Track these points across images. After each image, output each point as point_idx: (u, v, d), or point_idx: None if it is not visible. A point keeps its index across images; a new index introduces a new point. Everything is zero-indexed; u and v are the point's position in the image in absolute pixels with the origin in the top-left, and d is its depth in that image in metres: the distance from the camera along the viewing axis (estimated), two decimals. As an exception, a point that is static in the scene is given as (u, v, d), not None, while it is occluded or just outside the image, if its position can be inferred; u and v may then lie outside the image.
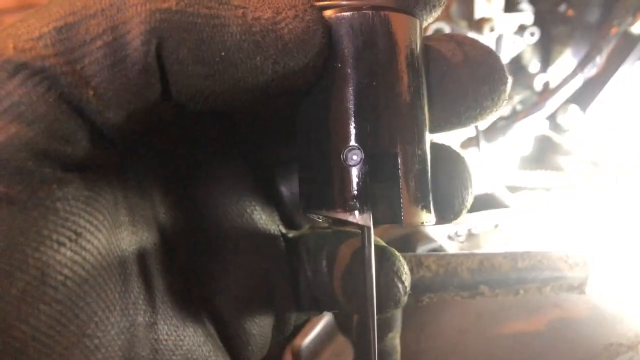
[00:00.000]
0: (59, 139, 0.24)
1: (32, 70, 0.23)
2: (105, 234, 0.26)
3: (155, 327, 0.29)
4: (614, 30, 0.97)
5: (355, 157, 0.27)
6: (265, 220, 0.37)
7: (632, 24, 0.96)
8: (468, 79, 0.30)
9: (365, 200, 0.27)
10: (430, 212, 0.29)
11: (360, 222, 0.27)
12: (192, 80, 0.25)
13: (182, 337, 0.30)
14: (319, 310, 0.40)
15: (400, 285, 0.33)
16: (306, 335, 0.63)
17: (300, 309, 0.38)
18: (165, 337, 0.29)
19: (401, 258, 0.34)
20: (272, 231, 0.37)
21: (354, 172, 0.27)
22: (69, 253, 0.24)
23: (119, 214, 0.28)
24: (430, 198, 0.29)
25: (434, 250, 0.77)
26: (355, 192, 0.27)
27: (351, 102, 0.27)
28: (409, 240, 0.75)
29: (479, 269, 0.49)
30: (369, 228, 0.28)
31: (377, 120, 0.27)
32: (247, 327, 0.35)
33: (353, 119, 0.27)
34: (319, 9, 0.27)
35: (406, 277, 0.34)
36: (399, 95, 0.28)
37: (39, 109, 0.23)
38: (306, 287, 0.37)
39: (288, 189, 0.38)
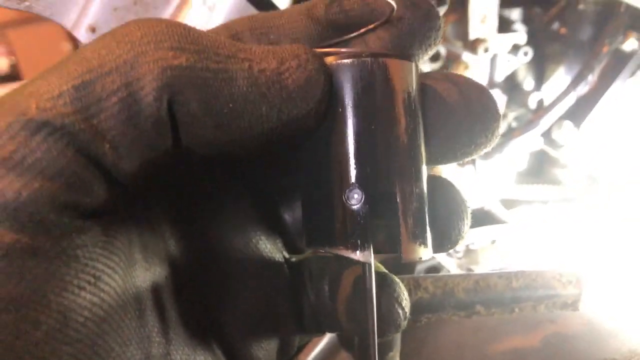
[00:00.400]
0: (78, 191, 0.25)
1: (53, 127, 0.24)
2: (122, 274, 0.28)
3: (169, 357, 0.30)
4: (605, 49, 0.99)
5: (356, 197, 0.29)
6: (269, 248, 0.38)
7: (623, 42, 0.98)
8: (463, 117, 0.32)
9: (366, 238, 0.29)
10: (427, 247, 0.31)
11: (361, 259, 0.29)
12: (201, 131, 0.27)
13: None
14: (322, 332, 0.41)
15: (400, 311, 0.35)
16: (310, 352, 0.64)
17: (304, 331, 0.40)
18: None
19: (401, 285, 0.36)
20: (276, 258, 0.38)
21: (355, 211, 0.29)
22: (88, 296, 0.26)
23: (133, 253, 0.30)
24: (428, 234, 0.31)
25: (433, 266, 0.79)
26: (356, 231, 0.29)
27: (352, 145, 0.29)
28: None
29: (474, 289, 0.51)
30: (369, 264, 0.30)
31: (376, 162, 0.29)
32: (253, 352, 0.36)
33: (354, 160, 0.29)
34: (320, 55, 0.29)
35: (406, 303, 0.35)
36: (397, 137, 0.29)
37: (60, 163, 0.24)
38: (309, 311, 0.38)
39: (290, 216, 0.40)
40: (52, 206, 0.24)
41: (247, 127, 0.27)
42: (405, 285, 0.37)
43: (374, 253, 0.29)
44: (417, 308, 0.49)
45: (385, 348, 0.54)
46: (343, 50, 0.30)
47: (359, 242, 0.29)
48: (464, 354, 0.69)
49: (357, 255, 0.29)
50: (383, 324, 0.34)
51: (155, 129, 0.26)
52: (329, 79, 0.29)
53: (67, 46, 2.11)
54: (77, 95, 0.24)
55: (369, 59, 0.29)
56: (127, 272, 0.28)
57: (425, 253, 0.30)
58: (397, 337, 0.56)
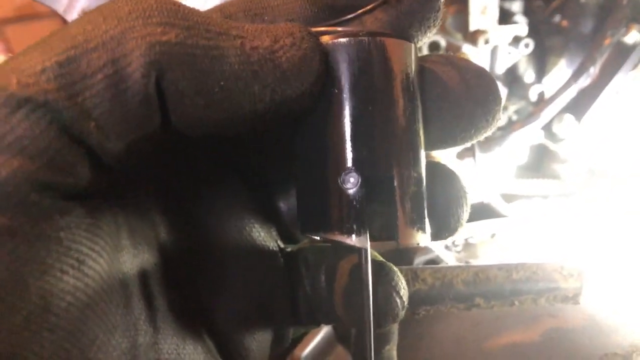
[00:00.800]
0: (61, 171, 0.24)
1: (35, 104, 0.23)
2: (107, 258, 0.27)
3: (156, 346, 0.29)
4: (607, 41, 0.98)
5: (352, 180, 0.28)
6: (263, 236, 0.37)
7: (625, 34, 0.97)
8: (463, 100, 0.31)
9: (362, 222, 0.28)
10: (425, 233, 0.30)
11: (357, 245, 0.28)
12: (191, 110, 0.25)
13: (182, 356, 0.31)
14: (317, 324, 0.41)
15: (398, 300, 0.34)
16: (306, 346, 0.63)
17: (299, 323, 0.39)
18: (166, 356, 0.30)
19: (399, 273, 0.35)
20: (270, 247, 0.38)
21: (351, 195, 0.28)
22: (71, 280, 0.24)
23: (121, 238, 0.29)
24: (426, 219, 0.30)
25: (432, 260, 0.78)
26: (352, 215, 0.28)
27: (348, 127, 0.28)
28: (407, 250, 0.75)
29: (474, 281, 0.50)
30: (366, 250, 0.29)
31: (373, 145, 0.28)
32: (245, 342, 0.35)
33: (350, 143, 0.28)
34: (316, 35, 0.28)
35: (404, 292, 0.35)
36: (395, 119, 0.28)
37: (42, 142, 0.23)
38: (304, 301, 0.38)
39: (286, 205, 0.39)
40: (33, 186, 0.23)
41: (239, 106, 0.26)
42: (403, 277, 0.36)
43: (370, 241, 0.28)
44: (415, 300, 0.48)
45: (382, 341, 0.54)
46: (339, 29, 0.29)
47: (354, 226, 0.28)
48: (463, 348, 0.69)
49: (353, 241, 0.28)
50: (380, 314, 0.33)
51: (143, 107, 0.24)
52: (325, 58, 0.28)
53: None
54: (61, 71, 0.23)
55: (366, 38, 0.28)
56: (113, 257, 0.27)
57: (422, 239, 0.30)
58: (394, 330, 0.55)
